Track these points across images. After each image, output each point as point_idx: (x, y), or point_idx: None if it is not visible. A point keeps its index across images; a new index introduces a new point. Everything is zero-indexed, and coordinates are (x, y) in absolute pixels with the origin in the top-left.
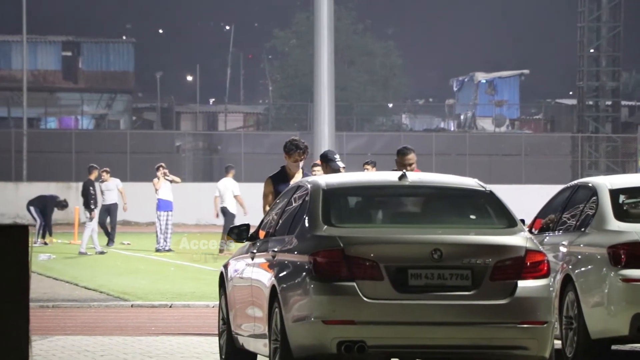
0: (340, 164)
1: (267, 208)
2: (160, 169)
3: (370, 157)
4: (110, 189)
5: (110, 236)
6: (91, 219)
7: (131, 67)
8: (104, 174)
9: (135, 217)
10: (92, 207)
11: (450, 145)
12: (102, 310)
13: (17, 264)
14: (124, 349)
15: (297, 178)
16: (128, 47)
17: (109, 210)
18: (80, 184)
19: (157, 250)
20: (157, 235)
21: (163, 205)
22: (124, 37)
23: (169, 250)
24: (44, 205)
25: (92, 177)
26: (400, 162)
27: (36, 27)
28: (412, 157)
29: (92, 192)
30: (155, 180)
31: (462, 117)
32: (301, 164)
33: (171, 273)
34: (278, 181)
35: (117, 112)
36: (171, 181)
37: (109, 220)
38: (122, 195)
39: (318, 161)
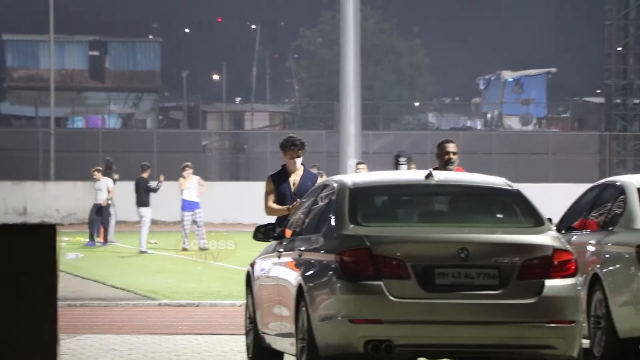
0: (403, 167)
1: (270, 206)
2: (186, 168)
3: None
4: (101, 189)
5: (105, 236)
6: (140, 217)
7: (158, 67)
8: (96, 172)
9: (162, 216)
10: (147, 205)
11: (477, 144)
12: (130, 309)
13: (46, 263)
14: (152, 348)
15: (298, 176)
16: (155, 46)
17: (101, 210)
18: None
19: (184, 250)
20: (182, 236)
21: (187, 206)
22: (151, 37)
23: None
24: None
25: (145, 175)
26: (442, 154)
27: (63, 27)
28: (453, 146)
29: (145, 190)
30: (181, 179)
31: (488, 115)
32: (299, 160)
33: (198, 272)
34: (278, 180)
35: (143, 112)
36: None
37: (102, 220)
38: (110, 194)
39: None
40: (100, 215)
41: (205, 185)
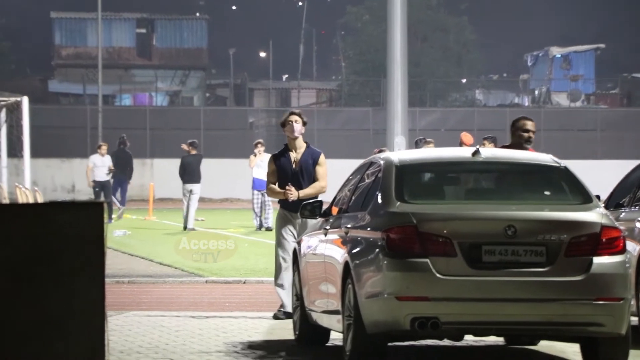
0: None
1: (269, 187)
2: (258, 145)
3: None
4: (105, 165)
5: (109, 213)
6: (184, 194)
7: (204, 44)
8: (103, 147)
9: (209, 193)
10: (197, 181)
11: None
12: (177, 285)
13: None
14: (199, 325)
15: (300, 153)
16: (201, 23)
17: (103, 187)
18: (155, 160)
19: (259, 229)
20: (253, 213)
21: (257, 184)
22: (198, 14)
23: (269, 228)
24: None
25: (193, 152)
26: (522, 131)
27: (111, 5)
28: (532, 124)
29: (191, 167)
30: (252, 157)
31: (536, 92)
32: (297, 127)
33: (245, 249)
34: (279, 158)
35: (190, 89)
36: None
37: (103, 197)
38: (109, 171)
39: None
40: (102, 192)
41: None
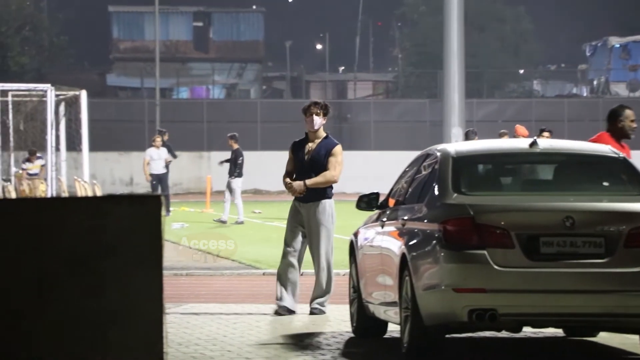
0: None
1: (283, 176)
2: None
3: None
4: (161, 158)
5: (166, 206)
6: (229, 188)
7: (261, 37)
8: (157, 139)
9: (266, 185)
10: (238, 175)
11: (583, 111)
12: (235, 278)
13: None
14: (256, 317)
15: (315, 143)
16: (258, 16)
17: (160, 180)
18: (212, 153)
19: None
20: None
21: None
22: (254, 7)
23: None
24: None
25: (236, 146)
26: (629, 120)
27: None
28: (630, 113)
29: (240, 161)
30: None
31: (595, 82)
32: (317, 120)
33: None
34: (296, 147)
35: (247, 82)
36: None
37: (160, 190)
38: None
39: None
40: (159, 185)
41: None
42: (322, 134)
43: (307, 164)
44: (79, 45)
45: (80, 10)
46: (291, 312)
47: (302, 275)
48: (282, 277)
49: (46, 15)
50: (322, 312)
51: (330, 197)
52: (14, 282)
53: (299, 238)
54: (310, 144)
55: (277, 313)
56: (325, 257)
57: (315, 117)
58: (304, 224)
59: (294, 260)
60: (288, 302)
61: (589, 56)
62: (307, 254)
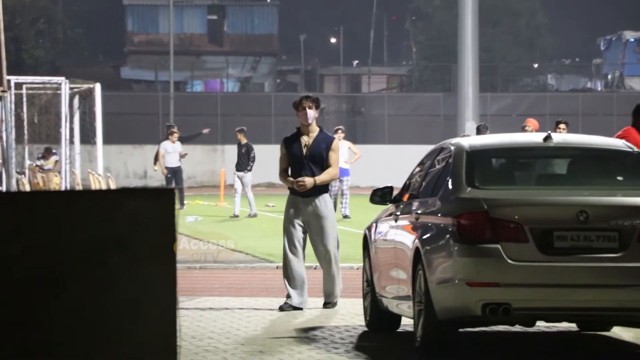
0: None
1: (280, 173)
2: (339, 132)
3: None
4: (176, 151)
5: (180, 199)
6: (239, 180)
7: (275, 30)
8: (173, 134)
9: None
10: (248, 169)
11: (597, 105)
12: (248, 271)
13: (165, 227)
14: (270, 310)
15: (312, 137)
16: (272, 10)
17: (175, 173)
18: (226, 147)
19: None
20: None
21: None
22: (268, 0)
23: (347, 216)
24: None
25: (244, 140)
26: None
27: None
28: None
29: (252, 155)
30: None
31: (609, 76)
32: (310, 114)
33: None
34: (290, 143)
35: (261, 75)
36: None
37: (175, 183)
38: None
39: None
40: (173, 179)
41: (359, 153)
42: (316, 127)
43: (306, 158)
44: (94, 38)
45: (95, 3)
46: (297, 309)
47: (315, 269)
48: (289, 274)
49: (61, 8)
50: (334, 306)
51: (327, 191)
52: (27, 275)
53: (300, 234)
54: (305, 138)
55: (281, 309)
56: (334, 250)
57: (308, 111)
58: (304, 219)
59: (299, 256)
60: (295, 300)
61: (604, 50)
62: (309, 251)
